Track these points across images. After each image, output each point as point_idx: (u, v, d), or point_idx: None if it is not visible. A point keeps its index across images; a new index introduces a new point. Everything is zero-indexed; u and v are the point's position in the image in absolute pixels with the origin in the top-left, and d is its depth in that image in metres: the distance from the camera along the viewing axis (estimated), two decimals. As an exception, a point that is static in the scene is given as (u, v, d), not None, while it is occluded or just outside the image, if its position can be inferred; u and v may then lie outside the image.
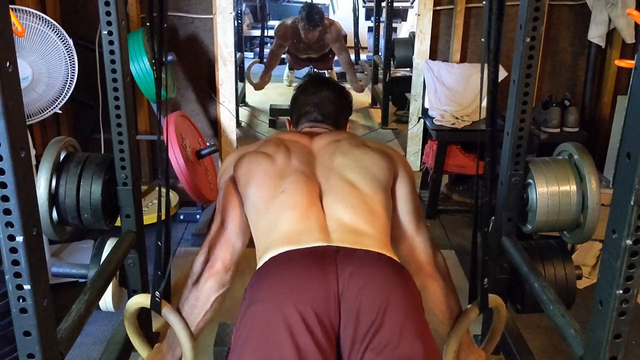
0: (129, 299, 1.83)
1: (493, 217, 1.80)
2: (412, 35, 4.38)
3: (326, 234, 1.20)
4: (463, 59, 3.37)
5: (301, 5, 4.43)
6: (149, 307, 1.37)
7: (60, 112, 2.28)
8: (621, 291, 0.97)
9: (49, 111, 2.18)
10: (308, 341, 1.03)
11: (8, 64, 0.86)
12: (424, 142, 3.51)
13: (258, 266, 1.20)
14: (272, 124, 4.59)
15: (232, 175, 1.40)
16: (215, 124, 3.28)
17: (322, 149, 1.40)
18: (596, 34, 3.03)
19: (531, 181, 1.65)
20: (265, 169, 1.33)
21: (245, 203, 1.35)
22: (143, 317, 1.61)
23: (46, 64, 2.14)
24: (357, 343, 1.05)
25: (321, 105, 1.59)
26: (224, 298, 1.39)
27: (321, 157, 1.38)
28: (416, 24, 3.45)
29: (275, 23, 5.13)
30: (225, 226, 1.38)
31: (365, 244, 1.18)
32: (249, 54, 6.66)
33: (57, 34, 2.13)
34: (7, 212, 0.93)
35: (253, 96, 5.12)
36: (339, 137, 1.44)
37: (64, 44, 2.15)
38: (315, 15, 4.24)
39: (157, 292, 1.35)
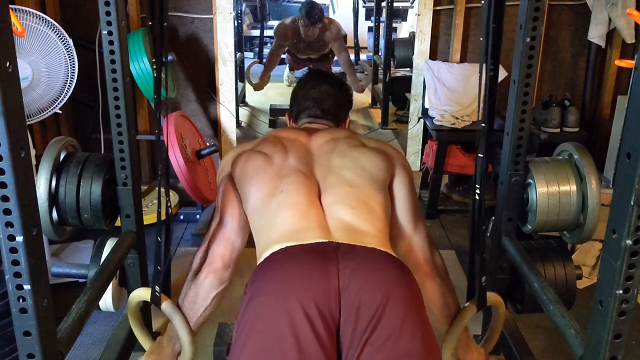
0: (128, 299, 1.84)
1: (493, 217, 1.80)
2: (412, 35, 4.38)
3: (327, 232, 1.20)
4: (463, 59, 3.37)
5: (301, 4, 4.43)
6: (149, 300, 1.39)
7: (60, 112, 2.28)
8: (621, 291, 0.97)
9: (49, 111, 2.18)
10: (310, 335, 1.03)
11: (8, 64, 0.86)
12: (424, 142, 3.51)
13: (258, 262, 1.20)
14: (272, 124, 4.59)
15: (230, 174, 1.40)
16: (215, 124, 3.28)
17: (320, 148, 1.40)
18: (596, 34, 3.03)
19: (531, 181, 1.65)
20: (263, 169, 1.33)
21: (244, 202, 1.35)
22: (144, 316, 1.61)
23: (46, 64, 2.14)
24: (356, 338, 1.06)
25: (320, 100, 1.58)
26: (223, 295, 1.40)
27: (319, 156, 1.38)
28: (416, 24, 3.45)
29: (275, 23, 5.13)
30: (224, 224, 1.39)
31: (366, 242, 1.18)
32: (249, 54, 6.66)
33: (57, 34, 2.13)
34: (7, 212, 0.93)
35: (253, 96, 5.12)
36: (336, 135, 1.44)
37: (64, 44, 2.15)
38: (315, 12, 4.25)
39: (156, 287, 1.36)
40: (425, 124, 3.37)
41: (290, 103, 1.67)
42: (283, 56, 5.01)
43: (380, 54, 5.33)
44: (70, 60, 2.17)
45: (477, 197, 1.37)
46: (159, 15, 1.29)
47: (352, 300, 1.07)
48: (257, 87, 4.59)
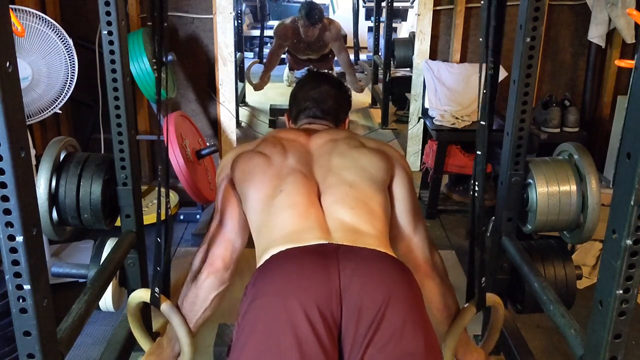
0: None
1: (493, 217, 1.80)
2: (412, 35, 4.38)
3: (327, 233, 1.20)
4: (463, 59, 3.37)
5: (301, 4, 4.42)
6: (149, 302, 1.39)
7: (60, 112, 2.28)
8: (621, 291, 0.97)
9: (49, 111, 2.18)
10: (311, 336, 1.03)
11: (8, 64, 0.86)
12: (424, 142, 3.51)
13: (259, 264, 1.20)
14: (272, 124, 4.59)
15: (230, 174, 1.40)
16: (215, 124, 3.28)
17: (320, 148, 1.40)
18: (596, 34, 3.03)
19: (531, 181, 1.65)
20: (263, 169, 1.33)
21: (243, 202, 1.35)
22: (144, 317, 1.61)
23: (46, 64, 2.14)
24: (358, 339, 1.06)
25: (320, 101, 1.58)
26: (223, 296, 1.39)
27: (319, 156, 1.37)
28: (416, 24, 3.45)
29: (275, 23, 5.13)
30: (224, 224, 1.39)
31: (366, 243, 1.18)
32: (249, 54, 6.66)
33: (57, 34, 2.13)
34: (7, 212, 0.93)
35: (253, 96, 5.12)
36: (336, 136, 1.44)
37: (64, 44, 2.15)
38: (315, 13, 4.25)
39: (156, 288, 1.37)
40: (425, 124, 3.37)
41: (290, 104, 1.67)
42: (283, 56, 5.01)
43: (380, 54, 5.33)
44: (70, 60, 2.17)
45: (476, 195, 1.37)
46: (159, 14, 1.29)
47: (354, 301, 1.07)
48: (257, 87, 4.59)
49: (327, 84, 1.62)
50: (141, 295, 1.44)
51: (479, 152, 1.36)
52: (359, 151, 1.38)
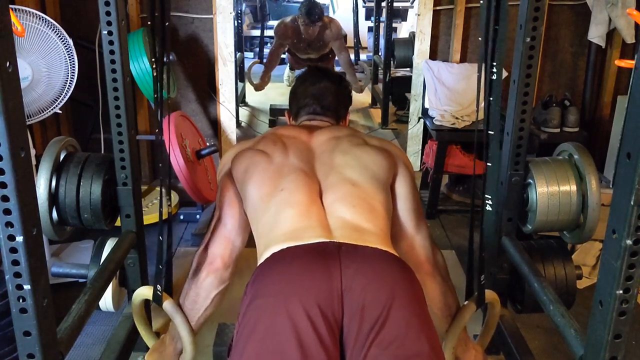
0: (129, 299, 1.84)
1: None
2: (412, 35, 4.38)
3: (328, 231, 1.19)
4: (463, 59, 3.37)
5: (301, 3, 4.42)
6: (151, 299, 1.39)
7: (60, 112, 2.28)
8: (621, 291, 0.97)
9: (49, 111, 2.18)
10: (312, 336, 1.03)
11: (8, 64, 0.86)
12: (424, 142, 3.52)
13: (259, 262, 1.20)
14: (272, 123, 4.58)
15: (230, 173, 1.40)
16: (215, 124, 3.28)
17: (322, 146, 1.39)
18: (596, 34, 3.03)
19: (531, 181, 1.65)
20: (263, 168, 1.32)
21: (244, 201, 1.35)
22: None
23: (46, 64, 2.14)
24: (361, 339, 1.05)
25: (320, 97, 1.58)
26: (224, 294, 1.40)
27: (321, 154, 1.37)
28: (416, 24, 3.45)
29: (275, 23, 5.13)
30: (225, 223, 1.39)
31: (367, 241, 1.18)
32: (249, 54, 6.66)
33: (57, 34, 2.13)
34: (7, 212, 0.93)
35: (253, 96, 5.12)
36: (339, 133, 1.43)
37: (64, 44, 2.15)
38: (315, 11, 4.24)
39: (158, 286, 1.38)
40: (425, 124, 3.37)
41: (290, 101, 1.66)
42: (283, 56, 5.01)
43: (380, 54, 5.33)
44: (70, 60, 2.17)
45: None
46: (161, 14, 1.29)
47: (356, 301, 1.06)
48: (258, 87, 4.58)
49: (327, 79, 1.61)
50: (145, 292, 1.45)
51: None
52: (362, 149, 1.37)
